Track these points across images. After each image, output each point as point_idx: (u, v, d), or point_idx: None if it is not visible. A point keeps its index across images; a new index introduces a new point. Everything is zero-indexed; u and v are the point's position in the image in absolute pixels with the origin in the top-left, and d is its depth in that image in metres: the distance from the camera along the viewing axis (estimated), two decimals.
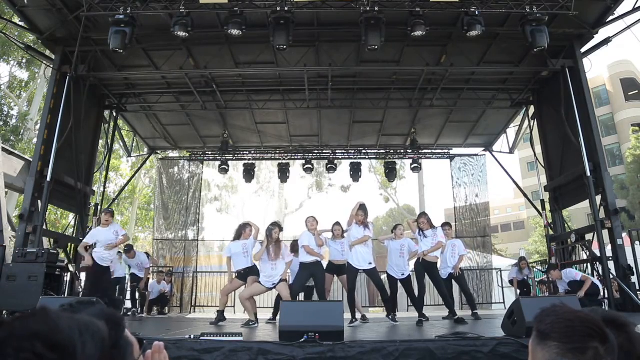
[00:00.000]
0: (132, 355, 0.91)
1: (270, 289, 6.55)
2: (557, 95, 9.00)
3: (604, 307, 7.61)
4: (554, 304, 1.02)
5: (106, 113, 10.95)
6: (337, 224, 7.26)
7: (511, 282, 10.97)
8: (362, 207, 6.75)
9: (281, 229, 6.85)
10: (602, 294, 7.75)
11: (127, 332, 0.93)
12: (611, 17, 8.23)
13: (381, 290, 7.08)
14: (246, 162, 13.38)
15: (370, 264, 6.63)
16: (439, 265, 7.22)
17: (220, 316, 6.71)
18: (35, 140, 13.48)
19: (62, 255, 8.22)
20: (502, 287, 12.09)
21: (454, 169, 13.11)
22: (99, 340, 0.68)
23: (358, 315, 6.91)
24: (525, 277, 10.16)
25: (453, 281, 7.49)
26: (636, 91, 30.90)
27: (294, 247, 7.32)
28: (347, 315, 6.17)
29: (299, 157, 13.55)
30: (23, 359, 0.58)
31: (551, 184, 10.19)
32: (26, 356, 0.58)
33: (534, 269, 11.26)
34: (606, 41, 8.60)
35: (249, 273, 6.67)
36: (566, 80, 8.69)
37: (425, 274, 6.78)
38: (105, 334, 0.72)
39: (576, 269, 8.56)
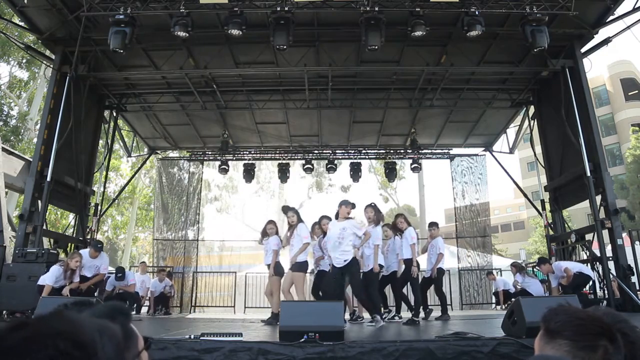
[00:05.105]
0: (136, 346, 0.93)
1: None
2: (557, 95, 9.00)
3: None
4: (560, 303, 1.03)
5: (106, 113, 10.95)
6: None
7: (496, 293, 10.83)
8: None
9: (287, 213, 6.57)
10: (590, 283, 7.77)
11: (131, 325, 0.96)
12: (611, 17, 8.24)
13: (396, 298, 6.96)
14: (246, 162, 13.38)
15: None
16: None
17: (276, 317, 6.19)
18: (35, 140, 13.44)
19: (62, 255, 8.21)
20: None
21: (454, 169, 13.10)
22: (115, 342, 0.71)
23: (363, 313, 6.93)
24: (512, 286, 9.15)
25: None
26: (636, 91, 30.91)
27: (314, 228, 7.00)
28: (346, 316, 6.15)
29: (299, 157, 13.56)
30: (49, 356, 0.60)
31: (551, 184, 10.19)
32: (51, 353, 0.60)
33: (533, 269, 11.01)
34: (606, 41, 8.60)
35: (277, 270, 6.48)
36: (566, 81, 8.69)
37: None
38: (120, 338, 0.74)
39: None
